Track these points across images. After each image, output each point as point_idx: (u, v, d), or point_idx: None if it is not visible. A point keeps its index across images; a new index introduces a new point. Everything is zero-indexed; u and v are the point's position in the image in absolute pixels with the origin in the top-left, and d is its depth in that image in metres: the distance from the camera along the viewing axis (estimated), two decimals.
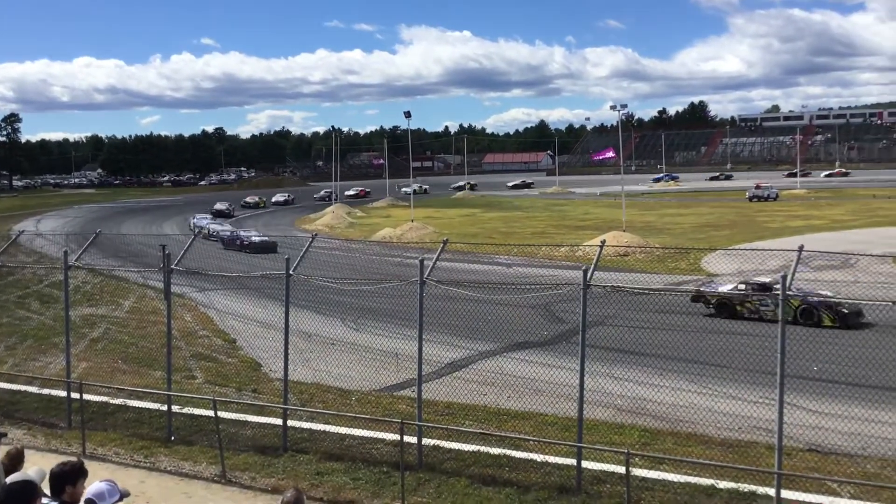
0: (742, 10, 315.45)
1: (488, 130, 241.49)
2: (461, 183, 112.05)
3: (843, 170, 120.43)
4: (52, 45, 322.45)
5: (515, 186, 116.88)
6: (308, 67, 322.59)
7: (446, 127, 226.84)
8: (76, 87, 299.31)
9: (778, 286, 10.16)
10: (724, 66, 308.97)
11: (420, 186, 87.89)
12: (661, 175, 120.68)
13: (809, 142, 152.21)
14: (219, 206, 72.32)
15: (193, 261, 16.04)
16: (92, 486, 5.80)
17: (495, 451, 12.52)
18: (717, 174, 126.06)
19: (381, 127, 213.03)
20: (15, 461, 6.64)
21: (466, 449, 12.69)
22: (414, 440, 12.29)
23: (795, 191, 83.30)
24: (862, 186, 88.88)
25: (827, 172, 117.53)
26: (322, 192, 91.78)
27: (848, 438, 12.73)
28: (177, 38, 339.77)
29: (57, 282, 27.30)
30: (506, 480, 11.54)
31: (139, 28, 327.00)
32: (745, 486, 10.92)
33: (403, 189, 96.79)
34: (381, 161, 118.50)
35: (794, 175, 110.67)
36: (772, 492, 10.25)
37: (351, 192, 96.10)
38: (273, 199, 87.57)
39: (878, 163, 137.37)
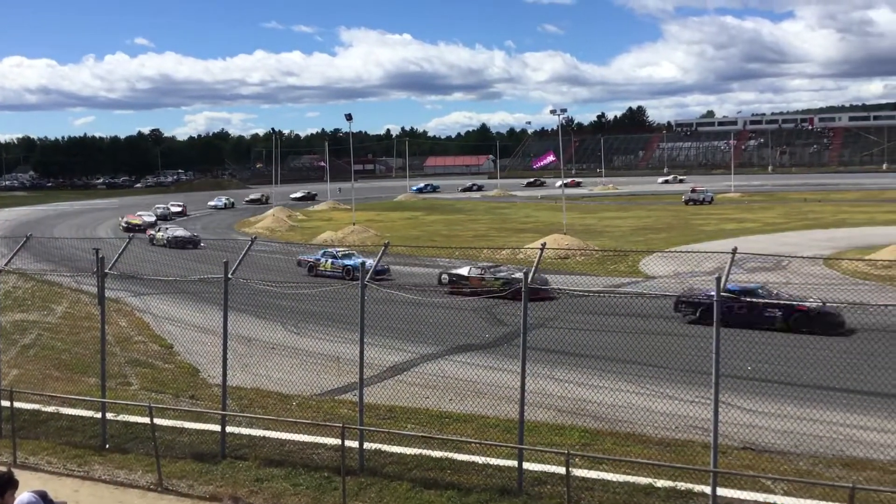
0: (676, 18, 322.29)
1: (430, 133, 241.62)
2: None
3: (576, 179, 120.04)
4: None
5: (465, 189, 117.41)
6: (246, 69, 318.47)
7: (388, 130, 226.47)
8: (6, 87, 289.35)
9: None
10: (660, 72, 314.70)
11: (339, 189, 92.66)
12: (422, 185, 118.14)
13: (743, 146, 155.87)
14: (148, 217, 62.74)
15: (128, 265, 15.72)
16: (18, 498, 5.66)
17: (437, 454, 12.51)
18: (670, 177, 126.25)
19: (323, 129, 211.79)
20: None
21: (408, 452, 12.66)
22: (355, 444, 12.22)
23: (730, 194, 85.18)
24: (794, 190, 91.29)
25: (559, 182, 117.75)
26: (158, 210, 73.68)
27: (781, 436, 13.05)
28: (110, 38, 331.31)
29: None
30: (448, 483, 11.54)
31: (71, 27, 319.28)
32: (683, 485, 11.10)
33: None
34: (323, 164, 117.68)
35: (534, 184, 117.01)
36: (708, 490, 10.43)
37: (175, 209, 77.35)
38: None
39: (809, 167, 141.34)
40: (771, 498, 10.86)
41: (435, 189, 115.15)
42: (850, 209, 63.73)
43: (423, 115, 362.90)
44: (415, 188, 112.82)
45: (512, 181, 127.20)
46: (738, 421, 13.53)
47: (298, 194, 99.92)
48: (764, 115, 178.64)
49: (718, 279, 10.23)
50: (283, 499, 11.27)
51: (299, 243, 47.64)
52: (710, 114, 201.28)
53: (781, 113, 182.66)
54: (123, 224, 59.79)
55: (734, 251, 11.05)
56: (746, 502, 10.73)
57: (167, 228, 49.98)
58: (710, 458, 10.41)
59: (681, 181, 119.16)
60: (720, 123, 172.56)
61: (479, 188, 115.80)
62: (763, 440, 13.07)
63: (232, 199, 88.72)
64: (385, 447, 12.83)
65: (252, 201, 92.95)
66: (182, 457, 12.87)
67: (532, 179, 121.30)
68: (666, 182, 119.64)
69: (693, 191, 79.59)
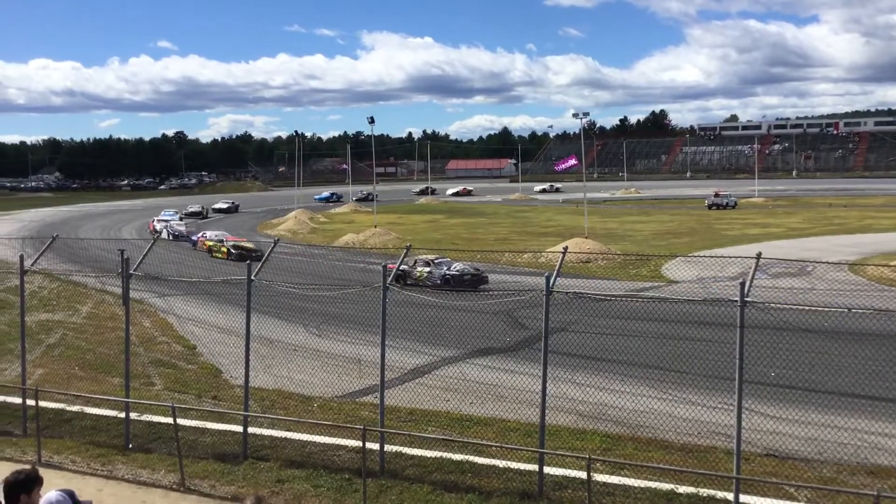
0: (699, 21, 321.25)
1: (452, 137, 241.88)
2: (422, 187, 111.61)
3: (467, 188, 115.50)
4: (6, 47, 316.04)
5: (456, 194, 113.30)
6: (269, 72, 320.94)
7: (410, 133, 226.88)
8: (32, 89, 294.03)
9: None
10: (683, 76, 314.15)
11: (367, 193, 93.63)
12: (326, 194, 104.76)
13: (767, 151, 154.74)
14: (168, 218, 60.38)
15: (153, 266, 15.86)
16: (45, 496, 5.71)
17: (458, 457, 12.52)
18: (546, 185, 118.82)
19: (345, 132, 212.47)
20: None
21: (429, 455, 12.67)
22: (376, 446, 12.24)
23: (753, 199, 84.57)
24: (819, 195, 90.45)
25: (451, 190, 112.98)
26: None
27: (805, 443, 12.93)
28: (134, 41, 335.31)
29: (12, 287, 26.77)
30: (468, 486, 11.54)
31: (95, 30, 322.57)
32: (705, 491, 11.04)
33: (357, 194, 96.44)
34: (344, 166, 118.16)
35: (426, 192, 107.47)
36: (730, 496, 10.36)
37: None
38: None
39: (834, 172, 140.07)
40: None
41: (339, 199, 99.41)
42: (876, 214, 63.07)
43: (445, 119, 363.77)
44: (317, 197, 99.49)
45: (534, 185, 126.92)
46: (761, 427, 13.43)
47: (194, 208, 78.67)
48: (788, 119, 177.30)
49: (742, 284, 10.17)
50: (304, 500, 11.31)
51: (321, 245, 47.85)
52: (734, 118, 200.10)
53: (806, 117, 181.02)
54: (231, 247, 42.63)
55: (758, 256, 10.97)
56: None
57: (438, 262, 32.67)
58: (732, 464, 10.34)
59: (557, 189, 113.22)
60: (744, 128, 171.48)
61: (339, 197, 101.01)
62: (786, 447, 12.96)
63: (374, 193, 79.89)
64: (406, 450, 12.85)
65: (191, 214, 74.82)
66: (204, 457, 12.95)
67: (424, 187, 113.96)
68: (544, 191, 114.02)
69: (716, 195, 79.08)
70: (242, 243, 43.65)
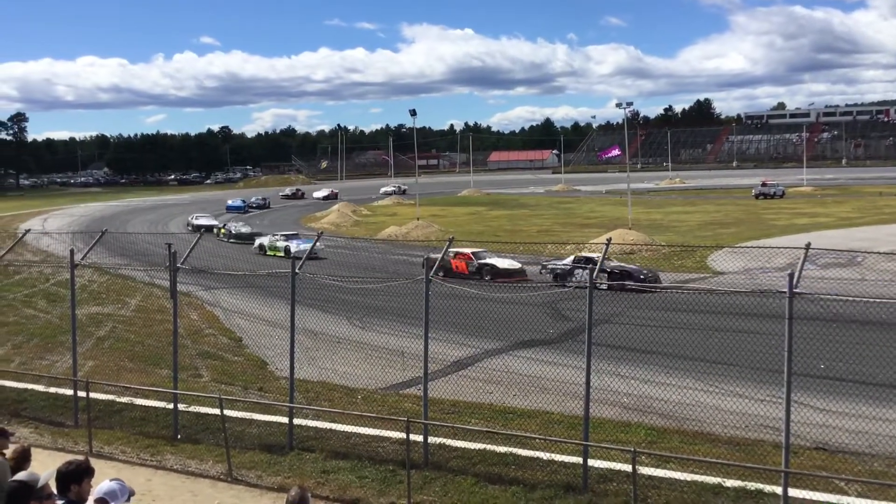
0: (743, 8, 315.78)
1: (493, 128, 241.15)
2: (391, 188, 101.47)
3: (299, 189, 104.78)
4: (54, 45, 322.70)
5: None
6: (311, 66, 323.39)
7: (451, 125, 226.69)
8: (80, 86, 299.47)
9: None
10: (728, 64, 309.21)
11: (399, 187, 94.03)
12: (239, 202, 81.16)
13: (816, 139, 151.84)
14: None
15: (199, 259, 16.06)
16: (102, 485, 5.81)
17: (501, 449, 12.50)
18: (393, 187, 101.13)
19: (387, 125, 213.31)
20: (21, 460, 6.66)
21: (472, 447, 12.68)
22: (420, 438, 12.28)
23: (802, 188, 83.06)
24: (869, 184, 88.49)
25: (324, 192, 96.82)
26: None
27: (855, 437, 12.69)
28: (177, 37, 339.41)
29: (63, 280, 27.35)
30: (512, 479, 11.53)
31: (140, 27, 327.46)
32: (752, 485, 10.89)
33: (382, 189, 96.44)
34: (386, 159, 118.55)
35: (295, 195, 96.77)
36: (779, 490, 10.21)
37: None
38: None
39: (885, 160, 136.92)
40: (844, 499, 10.57)
41: (250, 208, 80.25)
42: None
43: (487, 110, 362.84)
44: (230, 203, 79.97)
45: (577, 176, 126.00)
46: (810, 420, 13.19)
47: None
48: (837, 106, 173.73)
49: (791, 275, 9.99)
50: (348, 491, 11.39)
51: (364, 238, 48.06)
52: (781, 106, 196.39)
53: (855, 104, 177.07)
54: None
55: (808, 246, 10.76)
56: (818, 503, 10.47)
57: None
58: (780, 457, 10.19)
59: (403, 192, 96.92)
60: (792, 115, 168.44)
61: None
62: (836, 440, 12.74)
63: (404, 186, 74.12)
64: (449, 441, 12.88)
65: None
66: (251, 448, 13.11)
67: (294, 190, 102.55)
68: (391, 193, 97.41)
69: (764, 184, 77.74)
70: None
